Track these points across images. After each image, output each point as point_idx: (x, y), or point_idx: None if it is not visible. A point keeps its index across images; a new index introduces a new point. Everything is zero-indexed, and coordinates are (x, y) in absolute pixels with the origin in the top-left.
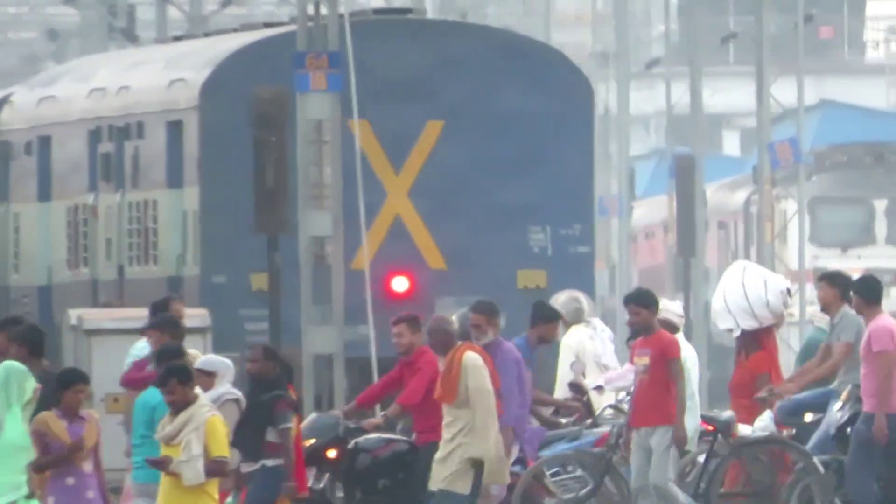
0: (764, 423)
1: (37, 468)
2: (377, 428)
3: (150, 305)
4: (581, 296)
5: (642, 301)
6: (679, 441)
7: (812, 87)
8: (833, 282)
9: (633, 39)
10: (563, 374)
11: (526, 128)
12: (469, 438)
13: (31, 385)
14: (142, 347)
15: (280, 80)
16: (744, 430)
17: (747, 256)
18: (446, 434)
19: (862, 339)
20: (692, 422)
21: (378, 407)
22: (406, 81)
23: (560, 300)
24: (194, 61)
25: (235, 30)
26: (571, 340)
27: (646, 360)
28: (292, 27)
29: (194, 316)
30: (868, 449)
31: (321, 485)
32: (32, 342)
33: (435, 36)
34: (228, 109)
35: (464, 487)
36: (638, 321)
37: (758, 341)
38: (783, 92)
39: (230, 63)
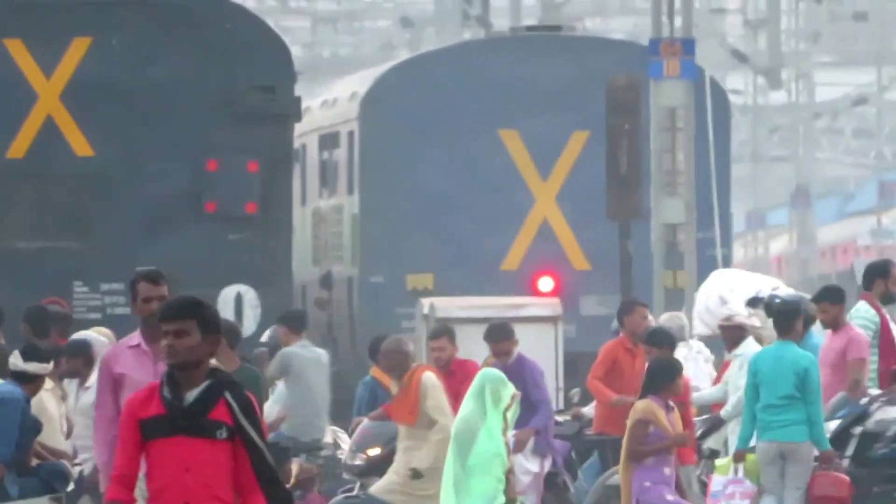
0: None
1: (636, 457)
2: None
3: None
4: (683, 314)
5: (654, 342)
6: None
7: None
8: None
9: None
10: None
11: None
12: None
13: (509, 391)
14: None
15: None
16: None
17: None
18: (407, 457)
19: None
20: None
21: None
22: (555, 93)
23: (661, 319)
24: None
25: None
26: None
27: None
28: None
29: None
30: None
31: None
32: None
33: (584, 51)
34: None
35: None
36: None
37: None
38: None
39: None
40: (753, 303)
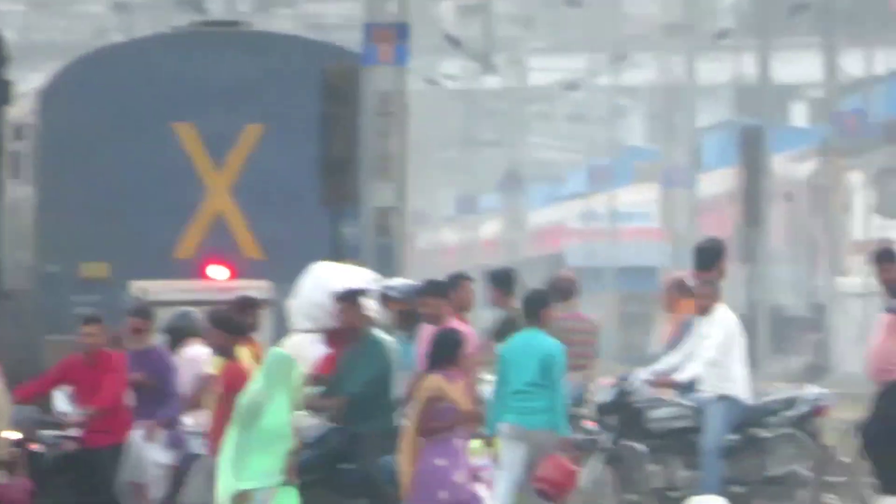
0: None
1: (427, 433)
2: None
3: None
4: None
5: (223, 325)
6: None
7: (882, 59)
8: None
9: (702, 10)
10: None
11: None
12: None
13: (298, 372)
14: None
15: None
16: None
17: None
18: None
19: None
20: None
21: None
22: (229, 87)
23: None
24: None
25: None
26: (289, 344)
27: (218, 388)
28: None
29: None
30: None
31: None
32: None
33: (258, 46)
34: None
35: None
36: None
37: (331, 343)
38: (852, 63)
39: None
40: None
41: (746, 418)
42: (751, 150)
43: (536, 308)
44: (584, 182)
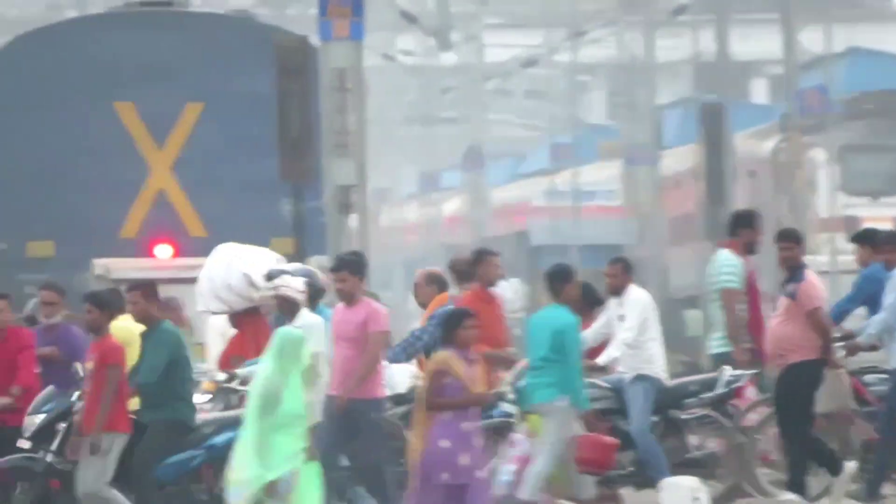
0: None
1: (433, 408)
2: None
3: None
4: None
5: (95, 301)
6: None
7: (841, 34)
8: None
9: None
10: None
11: (274, 108)
12: None
13: (307, 352)
14: None
15: None
16: None
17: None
18: None
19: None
20: None
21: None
22: (168, 67)
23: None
24: None
25: None
26: (210, 324)
27: (90, 364)
28: None
29: None
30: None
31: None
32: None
33: (195, 26)
34: None
35: None
36: (91, 321)
37: (238, 324)
38: (812, 39)
39: None
40: (271, 276)
41: (665, 400)
42: (712, 126)
43: (558, 283)
44: (546, 159)
